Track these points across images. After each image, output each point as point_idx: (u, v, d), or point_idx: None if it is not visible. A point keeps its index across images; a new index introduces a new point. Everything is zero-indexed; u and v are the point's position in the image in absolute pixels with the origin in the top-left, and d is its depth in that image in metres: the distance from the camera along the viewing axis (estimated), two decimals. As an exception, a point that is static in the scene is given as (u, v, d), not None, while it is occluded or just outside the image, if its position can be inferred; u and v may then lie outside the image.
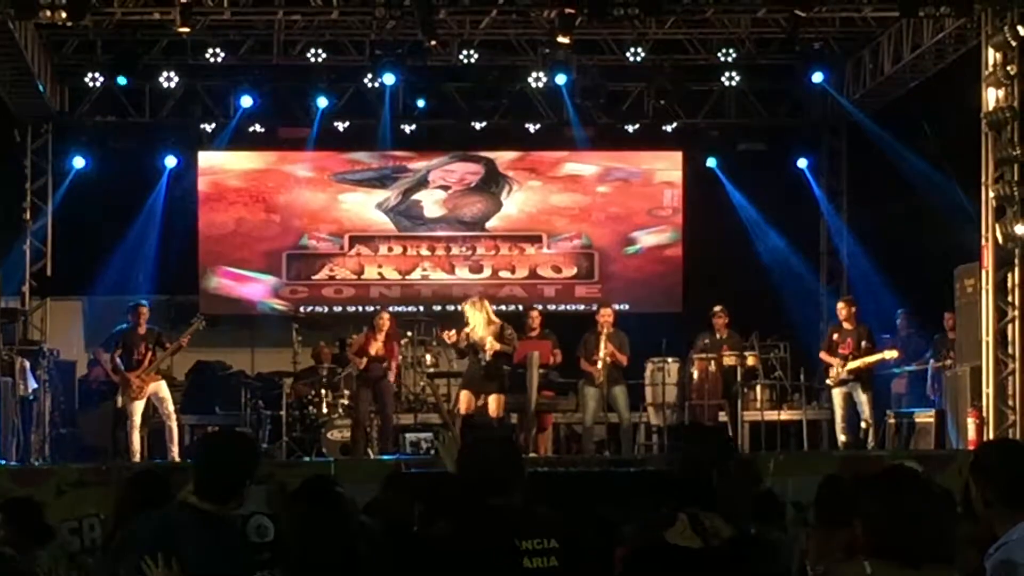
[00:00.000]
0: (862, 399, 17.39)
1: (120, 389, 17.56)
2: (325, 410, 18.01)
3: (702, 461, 5.00)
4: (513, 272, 22.42)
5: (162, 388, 17.50)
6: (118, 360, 17.45)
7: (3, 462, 15.73)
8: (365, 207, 22.43)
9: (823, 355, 17.92)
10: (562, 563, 5.34)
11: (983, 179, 16.93)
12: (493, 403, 16.37)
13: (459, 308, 17.64)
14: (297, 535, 5.24)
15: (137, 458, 16.90)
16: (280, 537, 5.35)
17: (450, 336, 16.91)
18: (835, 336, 17.76)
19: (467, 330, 16.59)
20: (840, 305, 17.91)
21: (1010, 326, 16.66)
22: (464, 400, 16.72)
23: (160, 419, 17.50)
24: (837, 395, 17.57)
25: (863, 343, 17.49)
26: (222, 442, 6.23)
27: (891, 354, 17.70)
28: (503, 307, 20.18)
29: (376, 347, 17.46)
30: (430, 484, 5.81)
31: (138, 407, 17.26)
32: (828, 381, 17.76)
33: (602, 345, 17.50)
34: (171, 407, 17.47)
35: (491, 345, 16.35)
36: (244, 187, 22.33)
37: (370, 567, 5.25)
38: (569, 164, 22.74)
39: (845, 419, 17.45)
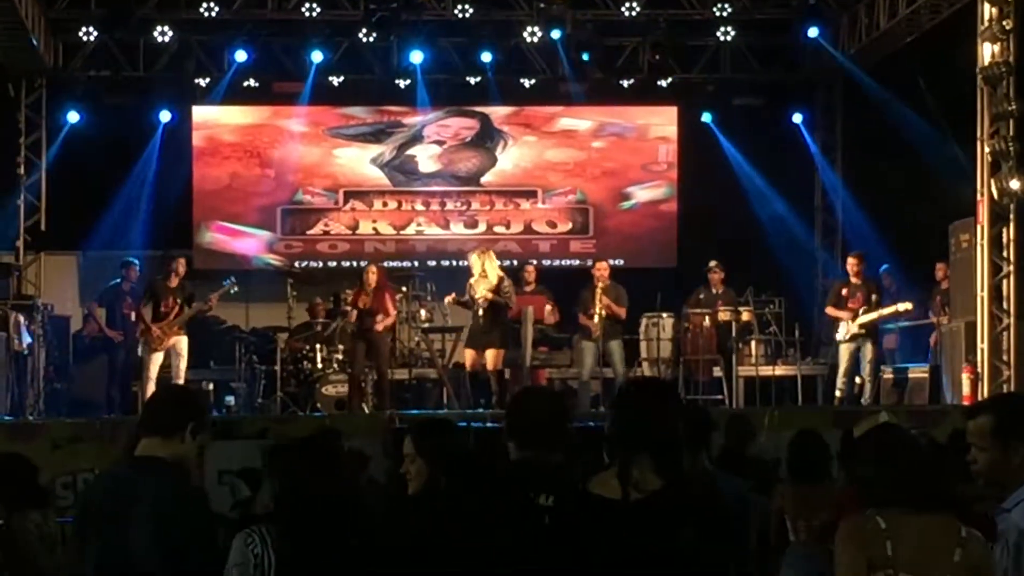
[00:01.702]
0: (867, 355, 17.30)
1: (141, 339, 17.39)
2: (320, 365, 17.98)
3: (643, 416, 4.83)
4: (508, 227, 22.40)
5: (182, 344, 17.17)
6: (145, 312, 17.33)
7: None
8: (360, 162, 22.40)
9: (831, 310, 17.73)
10: (552, 521, 5.30)
11: (978, 134, 16.90)
12: (490, 357, 16.37)
13: (453, 264, 17.57)
14: (292, 493, 5.21)
15: None
16: (278, 495, 5.33)
17: (455, 298, 16.90)
18: (843, 291, 17.50)
19: (471, 280, 16.59)
20: (852, 261, 17.63)
21: (1005, 281, 16.66)
22: (468, 358, 16.69)
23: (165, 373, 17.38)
24: (844, 350, 17.35)
25: (873, 296, 17.39)
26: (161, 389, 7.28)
27: (905, 306, 17.50)
28: (497, 262, 20.15)
29: (364, 300, 17.29)
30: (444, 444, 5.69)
31: (156, 359, 17.01)
32: (839, 336, 17.60)
33: (598, 298, 17.45)
34: (184, 365, 17.21)
35: (481, 294, 16.35)
36: (238, 142, 22.29)
37: (374, 527, 5.20)
38: (564, 119, 22.70)
39: (847, 373, 17.31)
